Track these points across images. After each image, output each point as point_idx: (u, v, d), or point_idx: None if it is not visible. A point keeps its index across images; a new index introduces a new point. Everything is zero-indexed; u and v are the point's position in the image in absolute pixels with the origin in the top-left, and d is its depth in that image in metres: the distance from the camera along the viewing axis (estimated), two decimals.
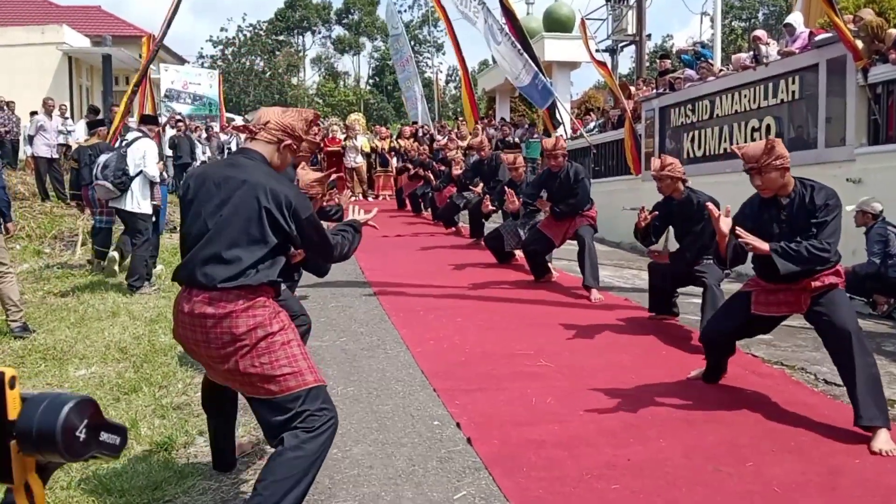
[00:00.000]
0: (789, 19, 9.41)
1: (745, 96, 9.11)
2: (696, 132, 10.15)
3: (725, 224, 4.01)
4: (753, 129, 8.94)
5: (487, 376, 4.65)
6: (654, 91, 11.75)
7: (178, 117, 16.33)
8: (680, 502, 2.93)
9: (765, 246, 3.79)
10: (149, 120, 8.31)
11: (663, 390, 4.35)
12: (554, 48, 17.74)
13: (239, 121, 21.46)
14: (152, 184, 7.50)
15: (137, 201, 7.34)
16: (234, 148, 17.80)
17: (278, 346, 2.60)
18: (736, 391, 4.32)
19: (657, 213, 5.55)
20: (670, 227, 5.76)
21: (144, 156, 7.33)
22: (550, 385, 4.43)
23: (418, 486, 3.15)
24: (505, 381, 4.50)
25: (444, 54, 51.14)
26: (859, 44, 7.33)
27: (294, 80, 48.37)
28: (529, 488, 3.02)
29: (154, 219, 7.72)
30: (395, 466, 3.35)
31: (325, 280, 8.10)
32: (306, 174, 4.32)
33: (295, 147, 2.85)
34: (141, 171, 7.28)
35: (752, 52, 9.59)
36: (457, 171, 10.57)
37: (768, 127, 8.69)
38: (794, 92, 8.30)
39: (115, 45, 20.76)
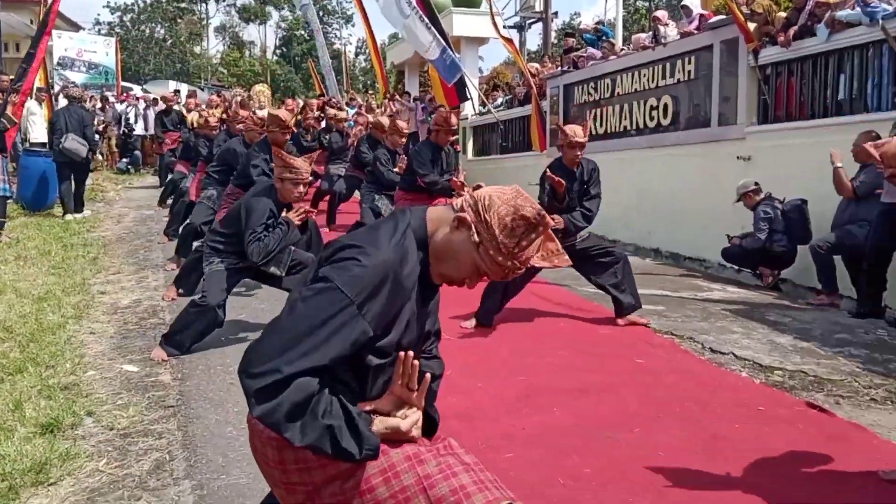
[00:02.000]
0: (686, 0, 9.68)
1: (645, 75, 9.35)
2: (599, 110, 10.37)
3: None
4: (652, 108, 9.19)
5: None
6: (559, 69, 11.91)
7: (72, 85, 15.51)
8: (571, 469, 3.01)
9: None
10: None
11: (560, 362, 4.46)
12: (462, 23, 17.68)
13: (137, 91, 20.56)
14: None
15: None
16: (132, 119, 17.04)
17: None
18: (628, 361, 4.47)
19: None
20: None
21: None
22: (450, 359, 4.43)
23: None
24: None
25: (353, 26, 50.39)
26: (751, 26, 7.62)
27: (197, 50, 46.71)
28: None
29: None
30: None
31: None
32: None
33: None
34: None
35: (651, 33, 9.84)
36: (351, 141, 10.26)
37: (666, 106, 8.96)
38: (690, 72, 8.57)
39: (3, 10, 19.50)
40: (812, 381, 4.15)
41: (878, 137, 5.77)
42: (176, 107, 14.04)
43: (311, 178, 4.63)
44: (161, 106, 15.02)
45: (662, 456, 3.15)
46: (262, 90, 12.93)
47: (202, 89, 26.29)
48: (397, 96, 16.14)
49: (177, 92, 18.55)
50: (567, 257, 1.84)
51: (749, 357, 4.55)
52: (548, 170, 5.29)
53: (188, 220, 7.43)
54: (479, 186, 1.78)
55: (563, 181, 5.14)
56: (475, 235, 1.69)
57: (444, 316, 5.52)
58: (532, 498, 2.75)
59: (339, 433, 1.58)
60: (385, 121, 9.68)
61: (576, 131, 5.19)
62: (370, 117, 13.11)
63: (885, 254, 5.59)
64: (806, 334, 5.10)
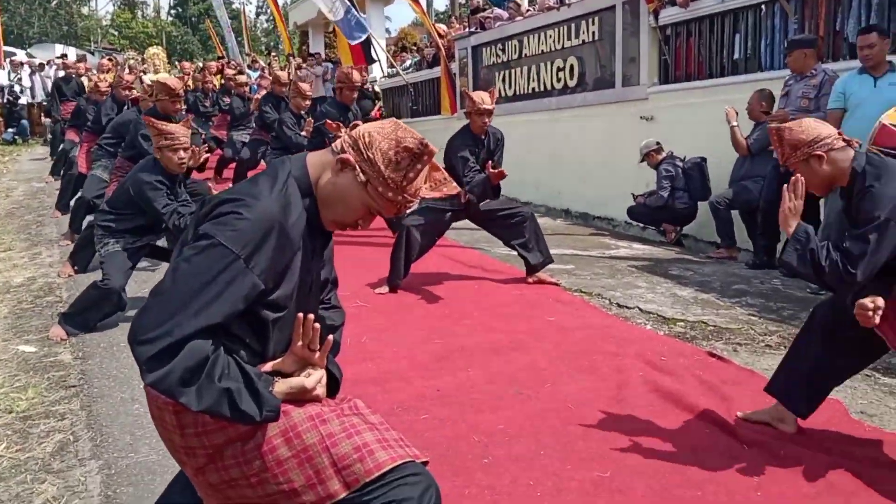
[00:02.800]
0: None
1: (551, 36, 9.43)
2: (507, 72, 10.41)
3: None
4: (559, 69, 9.29)
5: None
6: (467, 30, 11.86)
7: None
8: (483, 424, 3.07)
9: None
10: None
11: (473, 323, 4.52)
12: None
13: (21, 55, 19.32)
14: None
15: None
16: (16, 88, 16.05)
17: None
18: (539, 319, 4.56)
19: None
20: None
21: None
22: (366, 325, 4.45)
23: None
24: None
25: None
26: None
27: (85, 11, 44.17)
28: None
29: None
30: None
31: None
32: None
33: None
34: None
35: None
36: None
37: (572, 67, 9.07)
38: (594, 32, 8.68)
39: None
40: (712, 330, 4.35)
41: (772, 95, 6.03)
42: (85, 80, 13.07)
43: (188, 143, 4.41)
44: (60, 73, 14.17)
45: (572, 408, 3.24)
46: (156, 53, 12.34)
47: (92, 53, 24.96)
48: (300, 61, 15.75)
49: (64, 56, 17.54)
50: (455, 185, 1.84)
51: (653, 310, 4.72)
52: (463, 148, 5.17)
53: (79, 194, 7.05)
54: (355, 125, 1.76)
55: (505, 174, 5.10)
56: (360, 175, 1.66)
57: (356, 283, 5.50)
58: (446, 453, 2.79)
59: (238, 396, 1.55)
60: (283, 75, 9.46)
61: (483, 98, 5.15)
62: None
63: (778, 207, 5.86)
64: (706, 286, 5.32)
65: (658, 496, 2.53)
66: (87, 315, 4.45)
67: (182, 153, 4.36)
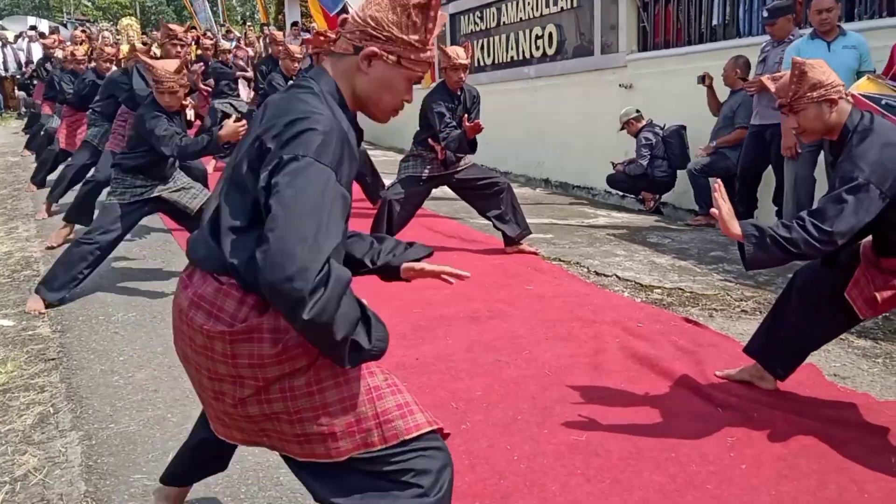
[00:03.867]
0: None
1: (529, 4, 9.35)
2: (486, 40, 10.34)
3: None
4: (537, 37, 9.24)
5: None
6: None
7: None
8: (461, 392, 3.10)
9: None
10: None
11: (452, 292, 4.52)
12: None
13: None
14: None
15: None
16: None
17: None
18: (518, 288, 4.60)
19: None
20: None
21: None
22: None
23: None
24: None
25: None
26: None
27: None
28: None
29: None
30: (181, 388, 3.25)
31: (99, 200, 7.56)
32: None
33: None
34: None
35: None
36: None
37: (550, 35, 9.03)
38: (572, 0, 8.64)
39: None
40: (688, 297, 4.40)
41: (747, 62, 6.05)
42: (59, 53, 12.72)
43: (185, 81, 4.43)
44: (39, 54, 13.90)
45: (549, 374, 3.28)
46: (129, 24, 12.05)
47: (64, 25, 24.47)
48: (274, 31, 15.54)
49: (33, 28, 17.19)
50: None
51: (631, 278, 4.77)
52: (435, 105, 5.14)
53: (90, 175, 6.41)
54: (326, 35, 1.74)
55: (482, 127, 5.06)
56: (390, 57, 1.63)
57: None
58: None
59: (364, 326, 1.58)
60: (279, 34, 9.42)
61: (458, 52, 5.13)
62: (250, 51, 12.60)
63: (755, 174, 5.91)
64: (683, 253, 5.37)
65: (633, 458, 2.58)
66: (63, 277, 4.41)
67: (180, 93, 4.37)
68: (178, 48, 5.62)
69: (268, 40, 9.67)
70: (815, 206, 2.60)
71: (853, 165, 2.50)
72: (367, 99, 1.69)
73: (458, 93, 5.26)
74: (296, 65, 7.60)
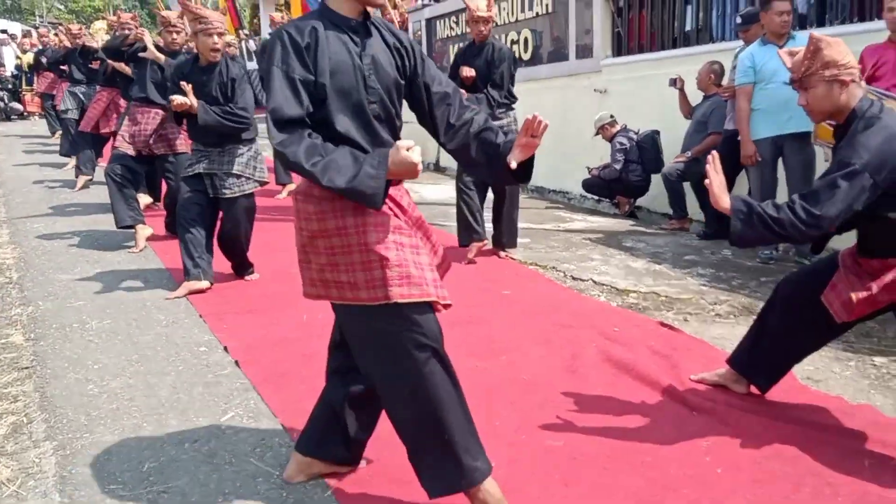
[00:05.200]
0: None
1: (505, 9, 9.40)
2: (462, 44, 10.35)
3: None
4: (513, 42, 9.29)
5: (259, 297, 4.59)
6: (421, 2, 11.76)
7: None
8: None
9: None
10: None
11: None
12: None
13: None
14: None
15: None
16: None
17: None
18: (495, 292, 4.61)
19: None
20: None
21: None
22: (317, 307, 4.44)
23: (183, 413, 3.07)
24: (277, 302, 4.45)
25: None
26: None
27: None
28: (298, 402, 3.04)
29: None
30: (157, 396, 3.23)
31: (74, 209, 7.49)
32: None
33: None
34: None
35: None
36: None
37: (526, 40, 9.08)
38: (547, 5, 8.69)
39: None
40: (663, 301, 4.44)
41: (721, 68, 6.12)
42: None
43: (222, 28, 4.65)
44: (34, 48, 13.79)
45: (527, 379, 3.30)
46: (102, 28, 11.90)
47: (37, 28, 24.16)
48: (244, 35, 15.48)
49: (4, 31, 16.96)
50: None
51: (607, 282, 4.81)
52: (458, 59, 5.54)
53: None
54: None
55: (472, 74, 5.33)
56: None
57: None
58: None
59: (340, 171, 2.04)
60: (277, 16, 9.48)
61: (478, 5, 5.31)
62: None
63: (728, 179, 5.97)
64: (658, 258, 5.42)
65: (611, 462, 2.60)
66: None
67: (216, 38, 4.56)
68: (175, 34, 5.78)
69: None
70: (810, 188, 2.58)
71: (853, 151, 2.48)
72: None
73: (483, 46, 5.43)
74: None
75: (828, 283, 2.77)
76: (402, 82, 2.26)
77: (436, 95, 2.30)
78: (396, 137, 2.24)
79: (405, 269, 2.10)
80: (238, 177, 4.67)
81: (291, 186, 7.87)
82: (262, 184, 4.89)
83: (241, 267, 5.00)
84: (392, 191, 2.19)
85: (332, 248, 2.13)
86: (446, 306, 2.19)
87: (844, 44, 2.64)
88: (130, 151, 5.85)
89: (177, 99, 4.43)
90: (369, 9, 2.23)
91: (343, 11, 2.17)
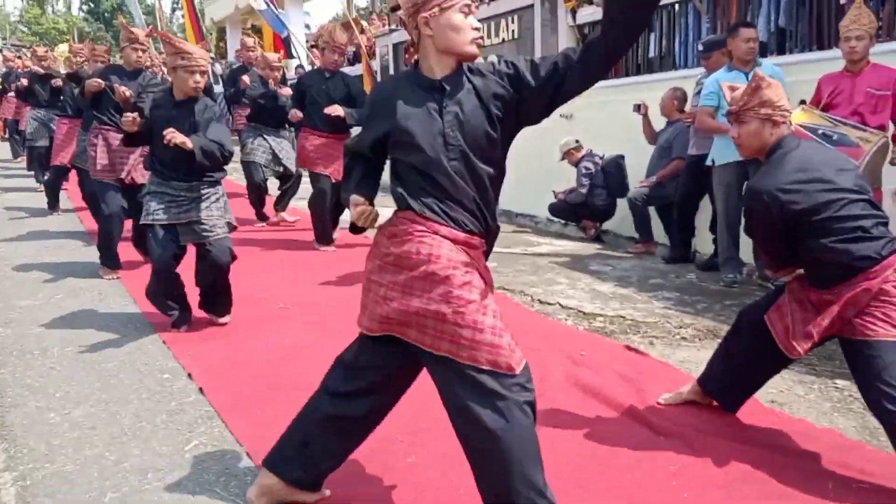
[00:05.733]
0: None
1: None
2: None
3: None
4: None
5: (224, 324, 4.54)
6: (387, 27, 11.83)
7: None
8: (408, 425, 3.09)
9: None
10: None
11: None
12: None
13: None
14: None
15: None
16: None
17: None
18: None
19: None
20: None
21: None
22: (288, 326, 4.43)
23: (146, 442, 3.02)
24: (242, 327, 4.41)
25: None
26: None
27: None
28: (263, 429, 3.01)
29: None
30: (120, 425, 3.17)
31: (36, 234, 7.35)
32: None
33: None
34: None
35: None
36: None
37: (493, 65, 9.15)
38: (513, 31, 8.81)
39: None
40: (630, 324, 4.48)
41: (685, 94, 6.25)
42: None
43: (205, 66, 4.18)
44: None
45: None
46: (65, 51, 11.76)
47: (0, 50, 23.87)
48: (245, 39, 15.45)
49: None
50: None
51: (574, 306, 4.84)
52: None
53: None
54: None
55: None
56: (428, 16, 2.22)
57: (282, 286, 5.37)
58: (372, 455, 2.80)
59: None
60: (249, 40, 9.53)
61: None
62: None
63: (692, 203, 6.08)
64: (624, 281, 5.48)
65: (577, 487, 2.60)
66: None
67: (198, 77, 4.14)
68: (140, 52, 5.54)
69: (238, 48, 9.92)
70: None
71: (747, 196, 2.73)
72: (446, 48, 2.24)
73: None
74: (276, 73, 7.79)
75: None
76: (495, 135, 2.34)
77: (554, 78, 2.26)
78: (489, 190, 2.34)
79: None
80: (210, 223, 4.22)
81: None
82: (233, 228, 4.43)
83: (222, 306, 4.53)
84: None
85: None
86: None
87: (783, 88, 2.82)
88: (112, 179, 5.60)
89: (128, 116, 4.09)
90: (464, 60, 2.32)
91: (427, 73, 2.29)
